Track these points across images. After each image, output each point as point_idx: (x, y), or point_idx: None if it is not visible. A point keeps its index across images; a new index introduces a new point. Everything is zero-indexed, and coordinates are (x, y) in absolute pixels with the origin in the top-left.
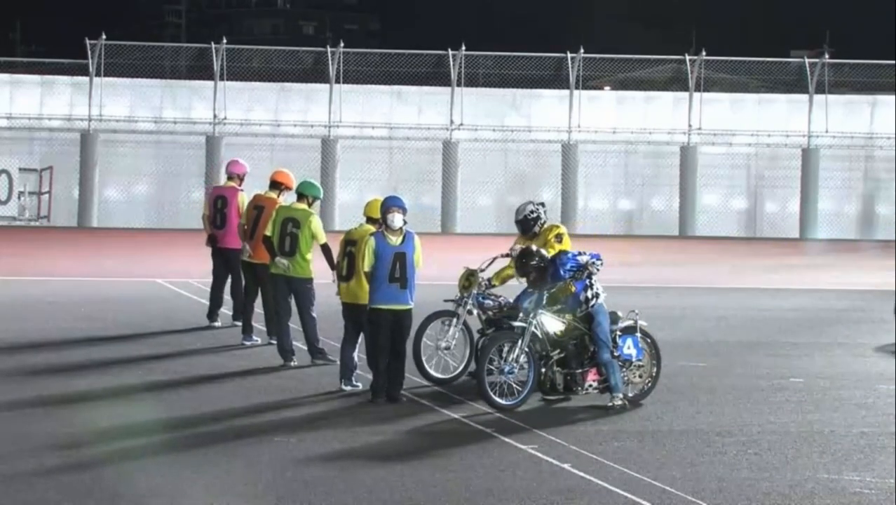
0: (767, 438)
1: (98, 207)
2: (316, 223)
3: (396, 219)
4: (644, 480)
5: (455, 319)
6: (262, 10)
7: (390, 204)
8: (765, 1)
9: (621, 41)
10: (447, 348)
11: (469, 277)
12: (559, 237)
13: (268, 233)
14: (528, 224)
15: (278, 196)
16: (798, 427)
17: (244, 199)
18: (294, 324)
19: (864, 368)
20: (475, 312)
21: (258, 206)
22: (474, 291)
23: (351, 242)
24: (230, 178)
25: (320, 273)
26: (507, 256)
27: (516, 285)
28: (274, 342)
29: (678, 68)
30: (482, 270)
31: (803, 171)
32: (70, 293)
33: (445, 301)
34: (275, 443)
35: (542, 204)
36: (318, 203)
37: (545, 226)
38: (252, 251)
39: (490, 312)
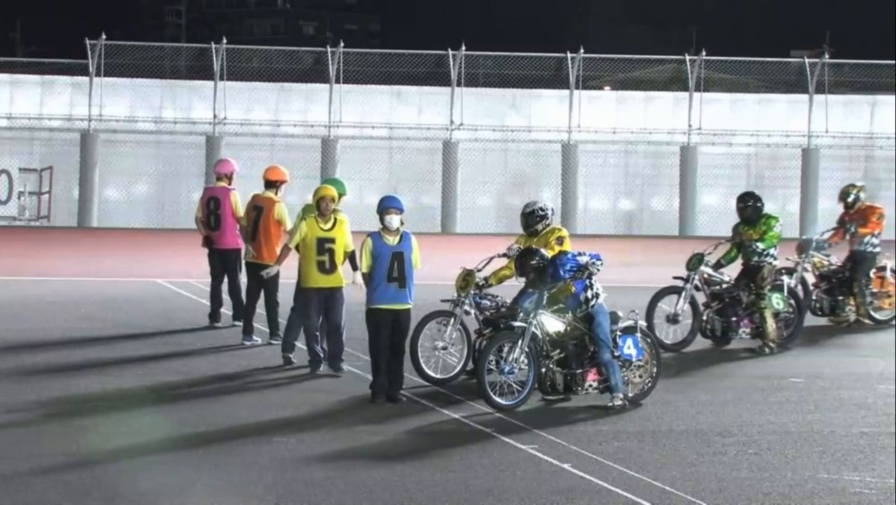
0: (767, 438)
1: (98, 207)
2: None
3: (394, 220)
4: (644, 480)
5: (452, 320)
6: (262, 10)
7: (388, 205)
8: (765, 1)
9: (621, 41)
10: (444, 348)
11: (466, 278)
12: (560, 240)
13: None
14: (533, 219)
15: (276, 194)
16: (798, 427)
17: (236, 198)
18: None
19: (864, 368)
20: (472, 312)
21: (257, 207)
22: (471, 292)
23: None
24: (219, 178)
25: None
26: (504, 255)
27: (513, 285)
28: (274, 343)
29: (678, 68)
30: (479, 270)
31: (803, 171)
32: (70, 293)
33: (442, 301)
34: (275, 443)
35: (552, 209)
36: (343, 200)
37: (549, 227)
38: (255, 252)
39: (487, 313)
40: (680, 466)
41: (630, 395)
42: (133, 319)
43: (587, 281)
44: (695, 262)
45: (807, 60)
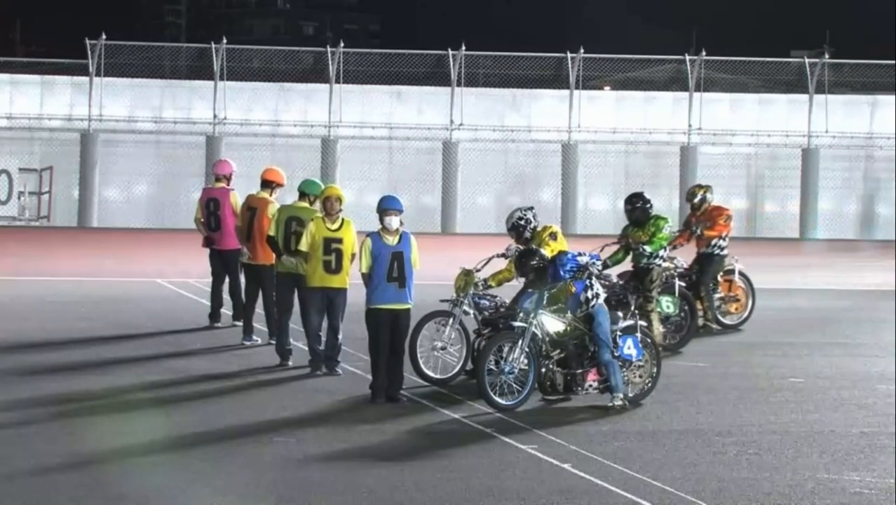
0: (767, 438)
1: (98, 207)
2: None
3: (394, 221)
4: (644, 480)
5: (451, 320)
6: (262, 10)
7: (387, 206)
8: (765, 1)
9: (621, 41)
10: (443, 348)
11: (465, 278)
12: (553, 235)
13: (271, 233)
14: (518, 230)
15: (270, 195)
16: (798, 427)
17: (236, 198)
18: (295, 325)
19: (864, 368)
20: (471, 312)
21: (252, 208)
22: (470, 292)
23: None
24: (218, 179)
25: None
26: (503, 255)
27: (513, 286)
28: (274, 343)
29: (678, 68)
30: (478, 270)
31: (803, 171)
32: (70, 293)
33: (441, 301)
34: (275, 443)
35: (531, 208)
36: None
37: (538, 228)
38: (251, 253)
39: (486, 313)
40: (680, 466)
41: (630, 395)
42: (133, 319)
43: (587, 281)
44: None
45: (807, 60)
